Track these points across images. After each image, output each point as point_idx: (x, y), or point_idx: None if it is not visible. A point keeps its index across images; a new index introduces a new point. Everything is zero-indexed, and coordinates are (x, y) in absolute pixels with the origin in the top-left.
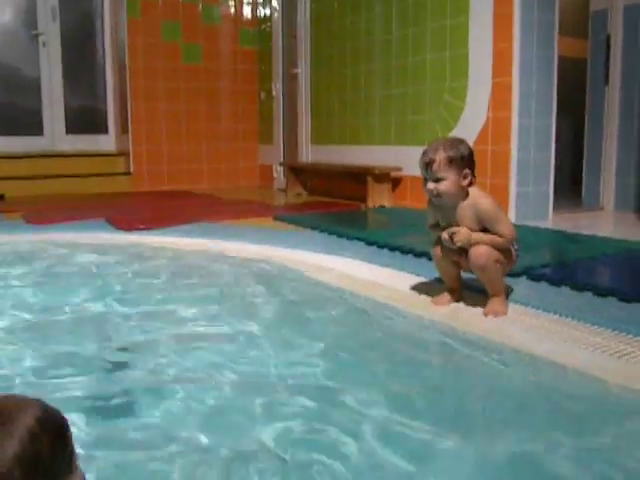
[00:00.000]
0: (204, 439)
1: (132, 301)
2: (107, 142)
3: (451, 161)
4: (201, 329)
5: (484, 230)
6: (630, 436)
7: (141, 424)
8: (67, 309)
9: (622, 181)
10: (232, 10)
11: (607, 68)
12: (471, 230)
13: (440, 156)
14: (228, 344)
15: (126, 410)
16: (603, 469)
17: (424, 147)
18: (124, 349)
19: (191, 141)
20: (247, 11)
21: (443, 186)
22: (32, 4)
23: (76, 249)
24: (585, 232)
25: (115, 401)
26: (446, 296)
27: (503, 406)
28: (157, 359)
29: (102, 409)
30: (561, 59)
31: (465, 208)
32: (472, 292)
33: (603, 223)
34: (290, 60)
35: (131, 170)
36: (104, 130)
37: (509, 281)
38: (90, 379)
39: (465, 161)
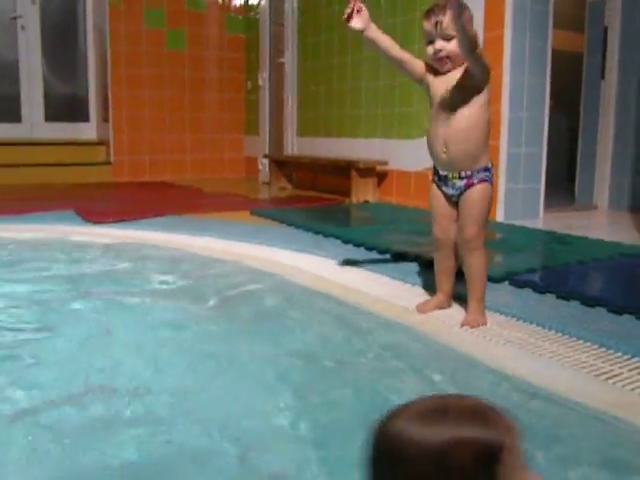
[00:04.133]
0: None
1: None
2: (88, 130)
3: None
4: None
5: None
6: None
7: None
8: None
9: (617, 179)
10: None
11: (604, 62)
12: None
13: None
14: None
15: None
16: None
17: (411, 140)
18: None
19: (174, 130)
20: None
21: (452, 45)
22: None
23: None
24: (576, 233)
25: None
26: (432, 300)
27: None
28: None
29: None
30: (557, 53)
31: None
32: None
33: (596, 223)
34: (277, 49)
35: (111, 160)
36: (85, 118)
37: (491, 287)
38: None
39: (472, 22)
